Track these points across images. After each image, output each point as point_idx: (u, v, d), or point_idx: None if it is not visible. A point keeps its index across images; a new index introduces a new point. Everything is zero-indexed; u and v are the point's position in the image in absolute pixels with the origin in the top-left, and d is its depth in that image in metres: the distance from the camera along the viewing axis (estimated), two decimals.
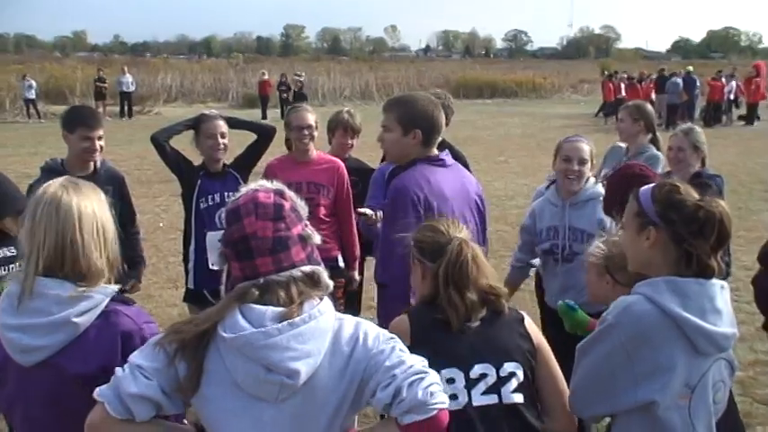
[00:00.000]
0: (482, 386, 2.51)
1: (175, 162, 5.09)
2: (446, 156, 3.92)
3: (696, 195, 2.43)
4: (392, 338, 2.12)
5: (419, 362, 2.08)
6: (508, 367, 2.56)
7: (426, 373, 2.05)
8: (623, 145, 6.06)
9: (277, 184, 2.18)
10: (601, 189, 4.36)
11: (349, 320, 2.13)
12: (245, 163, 5.31)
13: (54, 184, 2.38)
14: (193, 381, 2.02)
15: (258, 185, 2.16)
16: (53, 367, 2.25)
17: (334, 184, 5.35)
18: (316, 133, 5.37)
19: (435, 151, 3.89)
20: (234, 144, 5.23)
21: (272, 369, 1.96)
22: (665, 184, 2.49)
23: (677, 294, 2.35)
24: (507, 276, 4.90)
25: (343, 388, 2.04)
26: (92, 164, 4.70)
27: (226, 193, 5.01)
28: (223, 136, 5.05)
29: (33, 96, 31.64)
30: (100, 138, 4.64)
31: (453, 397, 2.45)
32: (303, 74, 22.72)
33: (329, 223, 5.35)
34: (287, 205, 2.12)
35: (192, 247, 5.11)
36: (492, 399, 2.52)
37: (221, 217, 4.93)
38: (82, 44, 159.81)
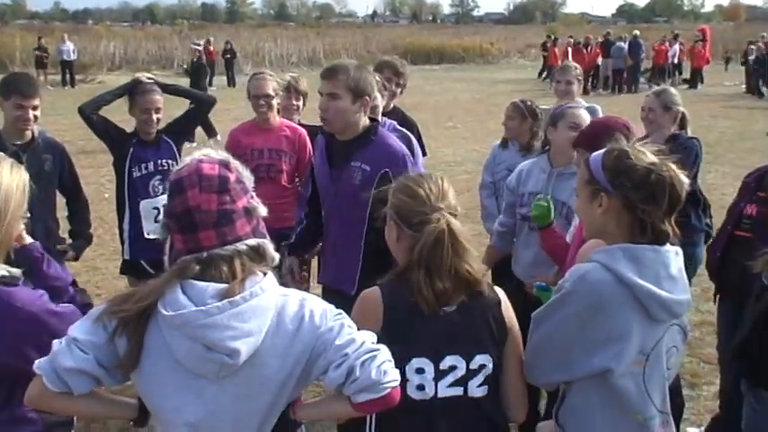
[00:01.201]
0: (450, 378, 2.45)
1: (104, 131, 4.94)
2: None
3: (648, 159, 2.38)
4: (339, 314, 2.10)
5: (369, 338, 2.07)
6: (479, 359, 2.47)
7: (378, 350, 2.04)
8: (547, 106, 6.04)
9: (222, 154, 2.13)
10: None
11: (293, 297, 2.09)
12: (181, 129, 5.24)
13: None
14: (133, 357, 1.99)
15: (202, 155, 2.10)
16: None
17: (296, 151, 5.32)
18: (276, 101, 5.33)
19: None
20: (171, 109, 5.11)
21: (211, 348, 1.93)
22: (615, 150, 2.45)
23: (632, 261, 2.35)
24: (490, 243, 4.76)
25: (289, 366, 2.01)
26: (28, 133, 4.60)
27: (159, 161, 4.95)
28: (158, 111, 4.92)
29: None
30: (35, 107, 4.54)
31: (420, 387, 2.42)
32: (201, 43, 21.57)
33: (290, 191, 5.34)
34: (232, 177, 2.06)
35: (126, 217, 5.01)
36: (457, 391, 2.46)
37: (155, 185, 4.88)
38: (21, 11, 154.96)
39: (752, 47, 28.34)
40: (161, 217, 4.76)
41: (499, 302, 2.54)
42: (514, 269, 4.49)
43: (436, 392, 2.44)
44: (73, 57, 31.77)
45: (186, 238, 2.02)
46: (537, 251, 4.12)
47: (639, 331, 2.38)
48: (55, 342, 2.03)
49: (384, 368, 2.01)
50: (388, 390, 2.02)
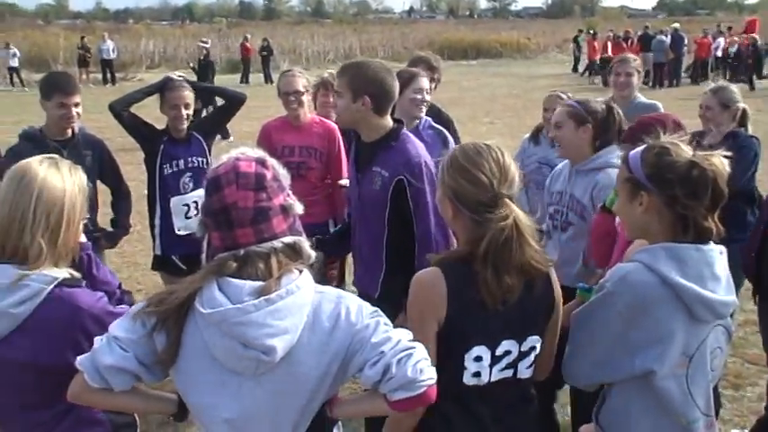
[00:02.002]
0: (503, 363, 2.43)
1: (134, 128, 4.97)
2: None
3: (689, 154, 2.32)
4: (375, 312, 2.09)
5: (405, 336, 2.07)
6: (530, 341, 2.45)
7: (414, 348, 2.03)
8: (600, 99, 5.97)
9: (258, 152, 2.13)
10: (614, 160, 3.90)
11: (329, 294, 2.09)
12: (210, 128, 5.26)
13: (34, 158, 2.34)
14: (172, 353, 2.01)
15: (240, 153, 2.10)
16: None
17: (327, 148, 5.32)
18: (306, 98, 5.33)
19: (389, 119, 3.79)
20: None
21: (248, 345, 1.93)
22: (654, 146, 2.39)
23: (675, 261, 2.30)
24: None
25: (325, 363, 2.01)
26: (69, 130, 4.66)
27: (190, 158, 4.99)
28: (187, 107, 4.93)
29: (16, 65, 31.46)
30: (77, 104, 4.61)
31: (476, 374, 2.40)
32: (209, 41, 21.25)
33: (321, 188, 5.34)
34: (268, 175, 2.06)
35: (157, 213, 5.05)
36: (508, 374, 2.45)
37: (185, 182, 4.92)
38: (64, 12, 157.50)
39: None
40: (191, 213, 4.88)
41: (549, 278, 2.49)
42: None
43: (490, 377, 2.42)
44: (112, 55, 32.27)
45: (223, 236, 2.03)
46: (560, 251, 4.09)
47: (683, 332, 2.33)
48: (96, 339, 2.06)
49: (420, 366, 2.00)
50: (424, 388, 2.01)
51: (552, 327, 2.55)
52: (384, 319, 2.10)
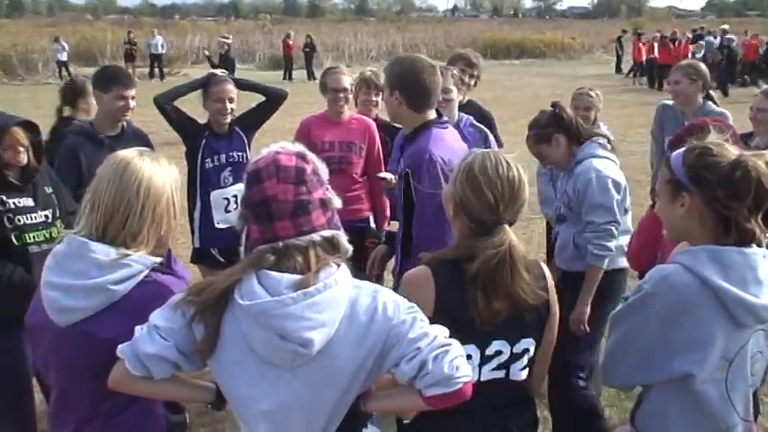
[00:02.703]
0: (494, 363, 2.48)
1: (178, 122, 5.05)
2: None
3: (732, 155, 2.28)
4: (412, 307, 2.10)
5: (442, 333, 2.08)
6: (523, 344, 2.50)
7: (450, 344, 2.05)
8: (670, 103, 5.94)
9: (299, 147, 2.15)
10: (597, 151, 4.18)
11: (366, 289, 2.11)
12: (251, 123, 5.30)
13: (130, 150, 2.41)
14: (210, 343, 2.04)
15: (280, 147, 2.13)
16: (86, 331, 2.26)
17: (366, 143, 5.36)
18: (351, 96, 5.40)
19: (432, 113, 3.84)
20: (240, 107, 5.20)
21: (286, 337, 1.95)
22: (696, 147, 2.35)
23: (718, 264, 2.26)
24: None
25: (361, 357, 2.03)
26: (120, 124, 4.74)
27: (231, 153, 5.05)
28: (231, 101, 5.02)
29: (65, 58, 31.98)
30: (133, 97, 4.71)
31: None
32: (230, 37, 21.03)
33: (362, 183, 5.38)
34: (308, 168, 2.08)
35: (197, 207, 5.11)
36: (499, 374, 2.50)
37: (226, 176, 4.98)
38: (112, 7, 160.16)
39: None
40: (231, 207, 4.94)
41: (546, 285, 2.56)
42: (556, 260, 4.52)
43: (479, 377, 2.45)
44: (161, 50, 32.60)
45: (263, 228, 2.05)
46: (560, 240, 4.33)
47: (723, 336, 2.29)
48: (137, 328, 2.09)
49: (456, 363, 2.02)
50: (460, 384, 2.02)
51: (547, 331, 2.59)
52: (420, 314, 2.10)
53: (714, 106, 5.70)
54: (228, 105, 4.99)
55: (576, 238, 4.17)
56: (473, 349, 2.44)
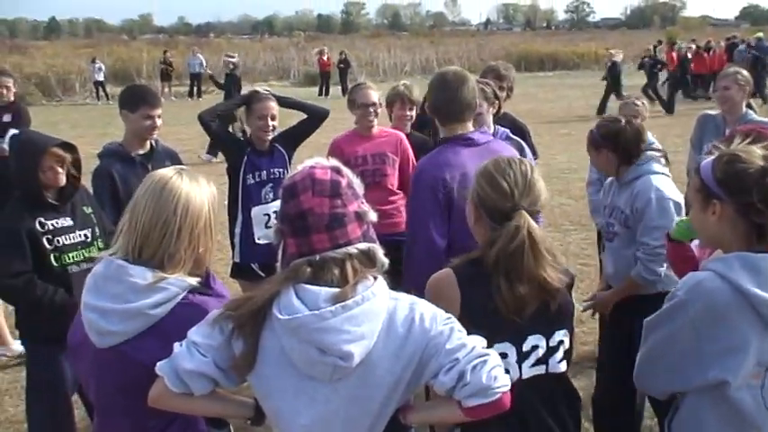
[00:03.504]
0: (532, 359, 2.50)
1: (222, 139, 5.20)
2: (480, 134, 3.79)
3: (761, 160, 2.29)
4: (449, 319, 2.11)
5: (479, 343, 2.09)
6: (558, 335, 2.53)
7: (488, 355, 2.05)
8: (714, 113, 5.89)
9: (333, 161, 2.17)
10: (653, 166, 4.11)
11: (404, 301, 2.12)
12: (293, 140, 5.35)
13: (169, 169, 2.40)
14: (249, 358, 2.05)
15: (314, 162, 2.15)
16: (124, 353, 2.28)
17: (398, 155, 5.38)
18: (379, 110, 5.43)
19: (468, 126, 3.78)
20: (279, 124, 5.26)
21: (325, 351, 1.97)
22: (725, 154, 2.36)
23: (750, 271, 2.25)
24: None
25: (399, 369, 2.04)
26: (149, 143, 4.79)
27: (272, 170, 5.11)
28: (273, 118, 5.07)
29: (102, 78, 32.49)
30: (159, 116, 4.74)
31: (505, 371, 2.41)
32: (236, 55, 20.35)
33: (399, 195, 5.38)
34: (343, 182, 2.11)
35: (238, 222, 5.17)
36: (540, 369, 2.51)
37: (267, 192, 5.03)
38: (148, 26, 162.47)
39: None
40: (272, 223, 4.98)
41: (572, 285, 2.62)
42: (604, 275, 4.51)
43: (521, 374, 2.47)
44: (199, 70, 32.73)
45: (299, 242, 2.07)
46: (613, 260, 4.25)
47: (758, 342, 2.28)
48: (176, 345, 2.11)
49: (495, 373, 2.02)
50: (499, 395, 2.03)
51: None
52: (458, 325, 2.11)
53: (755, 114, 5.65)
54: (270, 123, 5.05)
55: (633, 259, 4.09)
56: (508, 347, 2.46)
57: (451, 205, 3.54)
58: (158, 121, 4.71)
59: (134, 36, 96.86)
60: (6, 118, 7.23)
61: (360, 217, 2.11)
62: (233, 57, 18.76)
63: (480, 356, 2.04)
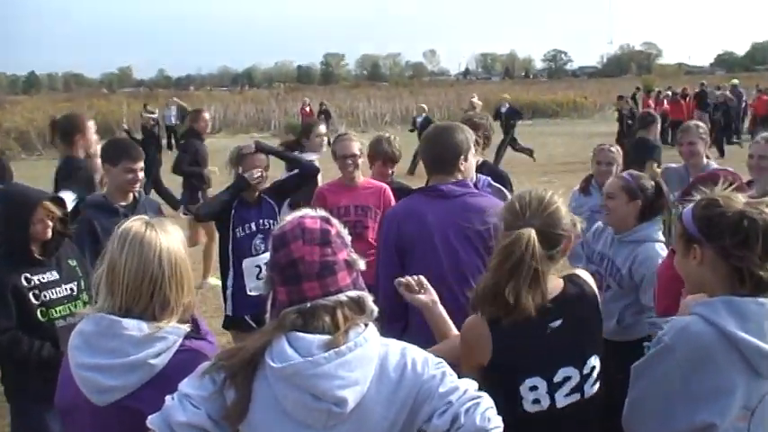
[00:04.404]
0: (566, 389, 2.55)
1: (217, 216, 5.23)
2: (457, 186, 3.78)
3: (739, 205, 2.35)
4: (440, 363, 2.12)
5: (472, 386, 2.10)
6: (591, 363, 2.60)
7: (481, 397, 2.06)
8: (677, 166, 6.02)
9: (321, 212, 2.21)
10: (655, 234, 4.21)
11: (394, 346, 2.13)
12: (282, 193, 5.43)
13: (137, 222, 2.40)
14: (241, 407, 2.04)
15: (303, 213, 2.18)
16: (128, 407, 2.26)
17: (381, 207, 5.42)
18: (360, 161, 5.49)
19: (455, 177, 3.81)
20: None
21: (319, 397, 1.97)
22: (704, 199, 2.43)
23: (735, 315, 2.29)
24: None
25: (393, 414, 2.04)
26: (131, 195, 4.81)
27: (261, 221, 5.17)
28: (266, 169, 5.19)
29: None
30: (142, 169, 4.76)
31: (536, 401, 2.52)
32: (155, 111, 19.53)
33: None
34: (333, 231, 2.14)
35: (230, 275, 5.19)
36: (575, 397, 2.58)
37: (257, 244, 5.04)
38: (128, 80, 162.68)
39: None
40: (263, 274, 4.97)
41: (596, 295, 2.73)
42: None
43: (554, 402, 2.53)
44: (175, 122, 32.82)
45: (290, 290, 2.08)
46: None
47: (744, 386, 2.31)
48: (167, 398, 2.09)
49: (488, 415, 2.03)
50: None
51: None
52: (449, 369, 2.12)
53: (713, 163, 5.83)
54: (263, 173, 5.16)
55: (624, 312, 4.17)
56: (538, 380, 2.52)
57: (406, 252, 3.66)
58: (140, 175, 4.73)
59: (113, 89, 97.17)
60: None
61: (349, 265, 2.14)
62: (153, 113, 18.18)
63: (473, 399, 2.05)
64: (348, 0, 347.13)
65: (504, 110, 22.53)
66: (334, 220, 2.19)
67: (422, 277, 2.91)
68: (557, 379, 2.53)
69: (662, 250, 4.05)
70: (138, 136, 18.23)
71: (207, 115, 10.06)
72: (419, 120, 20.99)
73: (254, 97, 55.09)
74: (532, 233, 2.50)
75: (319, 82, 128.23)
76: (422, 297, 2.86)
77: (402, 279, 2.87)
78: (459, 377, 2.13)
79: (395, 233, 3.69)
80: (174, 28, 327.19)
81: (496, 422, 2.04)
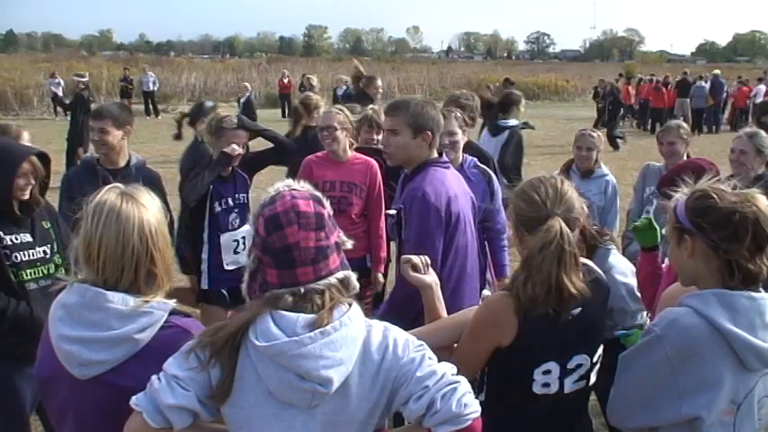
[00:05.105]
0: (575, 375, 2.58)
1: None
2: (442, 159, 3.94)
3: (731, 198, 2.34)
4: (421, 346, 2.11)
5: (450, 370, 2.07)
6: (599, 351, 2.65)
7: (458, 382, 2.04)
8: (658, 165, 6.03)
9: (306, 186, 2.16)
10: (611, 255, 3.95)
11: (377, 327, 2.11)
12: (255, 166, 5.40)
13: (111, 193, 2.30)
14: (226, 386, 2.01)
15: (289, 187, 2.13)
16: (109, 382, 2.22)
17: (367, 183, 5.39)
18: (342, 134, 5.38)
19: (434, 153, 3.90)
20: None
21: (304, 377, 1.95)
22: (696, 191, 2.42)
23: (726, 308, 2.29)
24: None
25: (375, 395, 2.03)
26: (120, 160, 4.73)
27: (236, 195, 5.14)
28: (245, 147, 5.14)
29: (61, 94, 31.86)
30: (103, 130, 4.72)
31: (545, 385, 2.54)
32: (86, 75, 18.20)
33: (360, 223, 5.40)
34: (325, 213, 2.11)
35: (206, 248, 5.13)
36: (581, 384, 2.61)
37: (233, 219, 5.05)
38: (108, 43, 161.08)
39: None
40: (240, 248, 4.94)
41: (606, 282, 2.75)
42: None
43: (562, 388, 2.55)
44: (153, 88, 32.59)
45: (282, 274, 2.04)
46: None
47: (731, 379, 2.31)
48: (153, 378, 2.04)
49: (465, 401, 2.01)
50: (469, 421, 2.01)
51: None
52: (429, 352, 2.11)
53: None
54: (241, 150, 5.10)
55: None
56: (553, 365, 2.53)
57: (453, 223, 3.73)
58: (100, 136, 4.72)
59: (93, 52, 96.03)
60: None
61: (338, 246, 2.13)
62: (83, 76, 17.73)
63: (450, 384, 2.03)
64: None
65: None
66: (325, 201, 2.15)
67: (428, 258, 2.86)
68: (570, 365, 2.55)
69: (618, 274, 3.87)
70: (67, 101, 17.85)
71: None
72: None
73: (235, 66, 54.69)
74: (562, 223, 2.47)
75: (301, 54, 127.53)
76: (425, 277, 2.81)
77: (412, 258, 2.80)
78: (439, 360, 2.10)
79: (441, 206, 3.69)
80: None
81: (473, 407, 2.02)
